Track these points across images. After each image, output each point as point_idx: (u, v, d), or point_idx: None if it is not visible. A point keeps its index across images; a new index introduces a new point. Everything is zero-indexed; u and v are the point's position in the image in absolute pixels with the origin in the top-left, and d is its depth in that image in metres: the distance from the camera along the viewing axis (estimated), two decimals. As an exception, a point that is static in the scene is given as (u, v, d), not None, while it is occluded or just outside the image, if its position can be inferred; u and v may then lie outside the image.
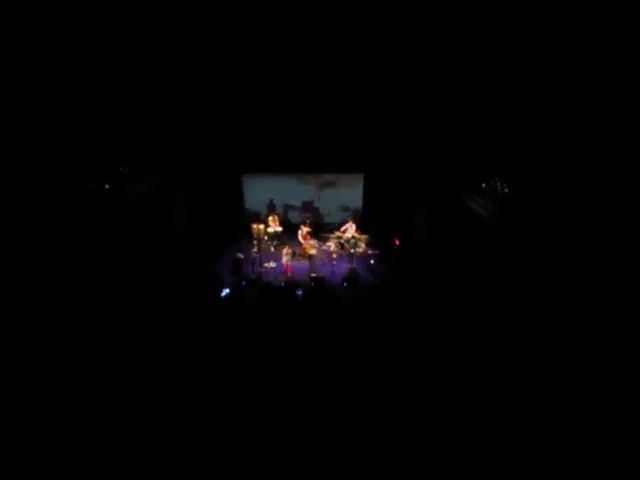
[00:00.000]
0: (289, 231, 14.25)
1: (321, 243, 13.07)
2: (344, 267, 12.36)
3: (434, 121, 10.74)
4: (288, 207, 15.70)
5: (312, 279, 11.10)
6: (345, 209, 15.59)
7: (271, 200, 15.60)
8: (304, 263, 12.74)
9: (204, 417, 5.27)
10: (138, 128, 9.93)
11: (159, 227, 11.44)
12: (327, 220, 15.64)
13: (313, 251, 11.79)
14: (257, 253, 12.04)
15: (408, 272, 11.71)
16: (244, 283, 10.95)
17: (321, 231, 14.43)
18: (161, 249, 11.09)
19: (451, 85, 9.24)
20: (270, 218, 14.09)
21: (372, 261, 12.44)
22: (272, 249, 13.51)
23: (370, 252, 12.72)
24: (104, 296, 8.28)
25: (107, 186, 8.84)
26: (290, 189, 15.36)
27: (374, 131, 11.75)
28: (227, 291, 9.94)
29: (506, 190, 9.52)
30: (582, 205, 7.18)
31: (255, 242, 12.37)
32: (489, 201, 9.87)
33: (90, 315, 7.51)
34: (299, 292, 10.01)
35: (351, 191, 15.35)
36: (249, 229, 14.01)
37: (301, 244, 13.05)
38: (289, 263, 11.78)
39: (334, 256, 12.26)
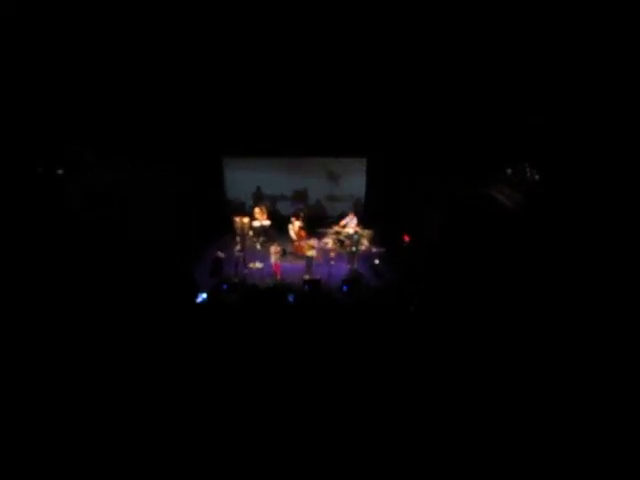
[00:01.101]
0: (278, 225, 14.28)
1: (317, 240, 13.16)
2: (344, 268, 12.40)
3: (453, 91, 10.58)
4: (278, 197, 15.69)
5: (306, 282, 11.15)
6: (344, 199, 15.63)
7: (258, 189, 15.67)
8: (296, 263, 12.79)
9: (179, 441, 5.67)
10: (101, 102, 10.02)
11: (126, 222, 11.47)
12: (323, 212, 15.67)
13: (312, 252, 11.82)
14: (241, 251, 12.05)
15: (420, 274, 11.76)
16: (225, 287, 10.94)
17: (317, 225, 14.48)
18: (128, 247, 11.13)
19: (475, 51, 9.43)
20: (257, 210, 14.14)
21: (377, 261, 12.44)
22: (258, 246, 13.52)
23: (374, 250, 12.74)
24: (55, 302, 8.32)
25: (60, 171, 8.93)
26: (279, 176, 15.34)
27: (380, 104, 11.64)
28: (204, 296, 9.95)
29: (536, 177, 9.63)
30: (625, 194, 7.35)
31: (238, 238, 12.39)
32: (516, 190, 9.99)
33: (38, 328, 7.58)
34: (291, 297, 10.07)
35: (351, 178, 15.39)
36: (231, 223, 13.96)
37: (293, 240, 13.14)
38: (278, 263, 11.81)
39: (332, 255, 12.28)
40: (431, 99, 10.98)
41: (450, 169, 11.99)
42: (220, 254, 12.03)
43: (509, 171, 10.52)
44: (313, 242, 12.08)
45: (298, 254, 13.04)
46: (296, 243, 13.09)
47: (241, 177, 15.46)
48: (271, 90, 11.30)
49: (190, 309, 9.61)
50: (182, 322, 8.83)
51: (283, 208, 15.94)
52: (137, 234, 11.70)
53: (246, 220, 14.06)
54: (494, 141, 10.66)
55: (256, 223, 14.04)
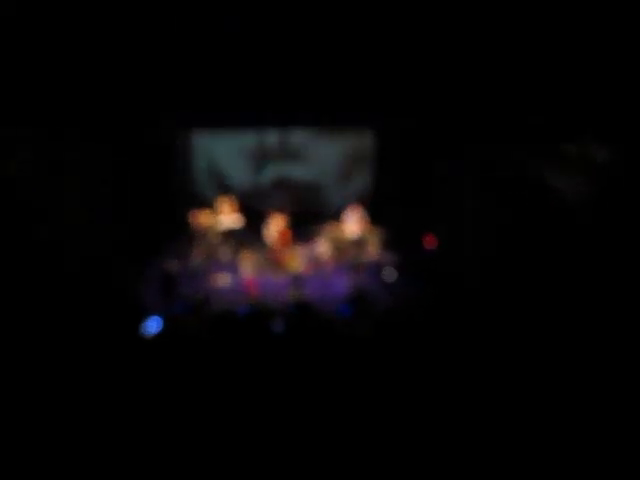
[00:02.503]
0: (253, 223, 14.14)
1: (308, 245, 13.16)
2: (344, 282, 12.46)
3: (492, 35, 10.79)
4: (253, 184, 15.86)
5: (294, 301, 10.97)
6: (342, 186, 15.78)
7: (221, 174, 15.79)
8: (278, 277, 12.70)
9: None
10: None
11: (40, 223, 11.32)
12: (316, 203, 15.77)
13: (297, 264, 12.05)
14: (202, 261, 12.26)
15: (450, 290, 11.75)
16: (181, 310, 10.93)
17: (307, 223, 14.38)
18: (42, 258, 11.04)
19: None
20: (224, 204, 13.92)
21: (389, 273, 12.66)
22: (226, 254, 13.48)
23: (386, 258, 12.90)
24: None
25: None
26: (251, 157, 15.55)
27: (393, 50, 11.77)
28: (154, 325, 10.00)
29: (606, 157, 9.77)
30: None
31: (198, 243, 12.50)
32: (577, 173, 10.14)
33: None
34: (278, 327, 9.91)
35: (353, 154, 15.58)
36: (188, 222, 13.87)
37: (274, 247, 13.04)
38: (253, 277, 11.95)
39: (328, 265, 12.33)
40: (459, 39, 11.19)
41: (487, 143, 12.03)
42: (172, 265, 12.19)
43: (568, 147, 10.66)
44: (300, 251, 12.26)
45: (280, 265, 12.96)
46: (277, 249, 12.98)
47: (200, 159, 15.56)
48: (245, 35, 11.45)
49: (135, 342, 9.54)
50: (119, 363, 8.53)
51: (258, 200, 15.90)
52: (56, 238, 11.58)
53: (209, 218, 14.07)
54: (545, 104, 10.81)
55: (223, 222, 13.96)
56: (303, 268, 12.15)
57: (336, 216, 13.97)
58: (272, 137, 15.39)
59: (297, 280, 12.05)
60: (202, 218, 13.82)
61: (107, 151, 13.09)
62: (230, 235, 13.75)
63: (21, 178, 10.58)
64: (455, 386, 8.48)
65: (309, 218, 14.64)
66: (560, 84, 10.39)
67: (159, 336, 9.80)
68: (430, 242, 12.82)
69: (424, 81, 12.54)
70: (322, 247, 13.17)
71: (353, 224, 13.37)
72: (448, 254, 12.94)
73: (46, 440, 7.06)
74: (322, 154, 15.60)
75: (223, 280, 12.01)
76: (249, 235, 13.99)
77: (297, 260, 12.12)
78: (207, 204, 15.50)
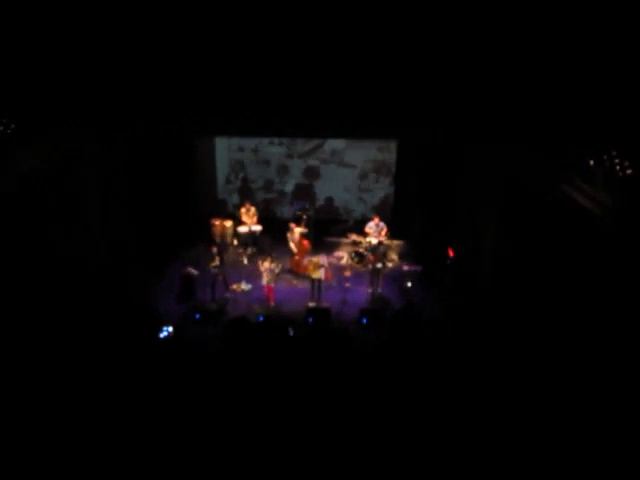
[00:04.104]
0: (273, 231, 14.23)
1: (325, 255, 12.93)
2: (363, 292, 12.38)
3: (520, 50, 10.69)
4: (273, 193, 15.84)
5: (311, 311, 11.06)
6: (363, 198, 15.84)
7: (244, 181, 15.77)
8: (298, 285, 12.72)
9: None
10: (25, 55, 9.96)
11: (57, 224, 11.34)
12: (335, 214, 15.79)
13: (319, 273, 11.86)
14: (220, 267, 12.00)
15: (471, 302, 11.71)
16: (198, 317, 10.91)
17: (327, 233, 14.47)
18: (57, 264, 10.99)
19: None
20: (243, 210, 14.03)
21: (409, 283, 12.39)
22: (245, 261, 13.42)
23: (406, 268, 12.68)
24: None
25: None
26: (273, 161, 15.61)
27: (419, 64, 11.59)
28: (169, 330, 10.05)
29: (629, 171, 9.57)
30: None
31: (217, 250, 12.26)
32: (602, 189, 9.94)
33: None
34: (290, 332, 10.06)
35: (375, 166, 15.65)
36: (208, 228, 14.01)
37: (294, 254, 13.07)
38: (272, 285, 11.78)
39: (347, 274, 12.22)
40: (487, 52, 11.13)
41: (511, 157, 11.96)
42: (191, 271, 11.94)
43: (591, 162, 10.46)
44: (320, 258, 12.08)
45: (299, 273, 12.98)
46: (296, 258, 13.05)
47: (222, 166, 15.63)
48: (271, 51, 11.32)
49: (148, 350, 9.62)
50: (137, 369, 8.82)
51: (280, 208, 16.03)
52: (71, 244, 11.61)
53: (228, 224, 14.07)
54: (570, 118, 10.66)
55: (242, 228, 13.93)
56: (323, 276, 11.93)
57: (357, 226, 14.02)
58: (299, 146, 15.57)
59: (316, 288, 11.97)
60: (222, 224, 13.99)
61: (122, 151, 12.94)
62: (250, 242, 13.87)
63: (36, 177, 10.44)
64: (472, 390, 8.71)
65: (330, 227, 14.72)
66: (585, 97, 10.28)
67: (174, 342, 9.96)
68: (450, 254, 12.70)
69: (450, 92, 12.32)
70: (342, 256, 13.13)
71: (374, 234, 13.43)
72: (466, 266, 12.86)
73: (64, 431, 7.43)
74: (346, 164, 15.71)
75: (241, 287, 11.89)
76: (269, 242, 14.09)
77: (317, 268, 11.90)
78: (228, 210, 15.71)
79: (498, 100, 11.74)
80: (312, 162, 15.69)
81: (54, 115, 10.91)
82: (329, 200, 16.02)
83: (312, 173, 15.80)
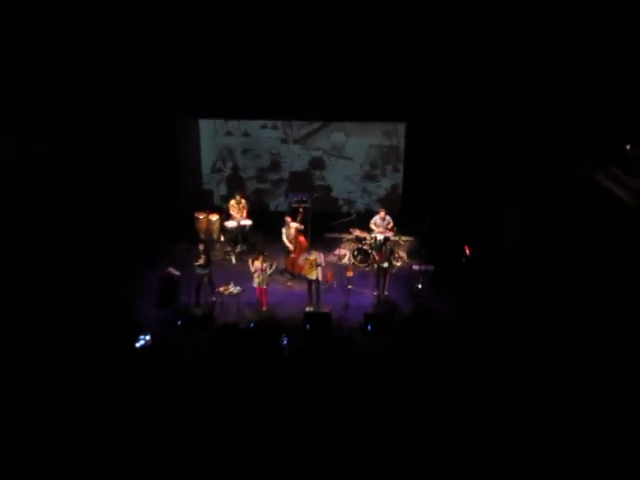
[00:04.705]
0: (266, 226, 14.24)
1: (326, 252, 13.01)
2: (368, 295, 12.43)
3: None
4: (267, 183, 15.89)
5: (308, 317, 11.05)
6: (367, 188, 15.87)
7: (233, 169, 15.81)
8: (294, 287, 12.76)
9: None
10: None
11: (18, 220, 11.15)
12: (335, 207, 15.81)
13: (315, 273, 11.91)
14: (205, 267, 12.00)
15: (490, 306, 11.72)
16: (180, 323, 10.93)
17: (327, 228, 14.48)
18: (22, 262, 11.00)
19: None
20: (231, 203, 14.02)
21: (420, 284, 12.50)
22: (234, 260, 13.49)
23: (417, 267, 12.69)
24: None
25: None
26: (266, 147, 15.62)
27: (432, 37, 11.72)
28: (147, 338, 10.05)
29: None
30: None
31: (202, 248, 12.17)
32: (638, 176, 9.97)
33: None
34: (284, 341, 10.02)
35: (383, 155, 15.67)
36: (191, 223, 13.98)
37: (290, 252, 13.03)
38: (265, 287, 11.82)
39: (349, 274, 12.26)
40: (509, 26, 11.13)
41: (537, 141, 11.88)
42: (173, 272, 11.96)
43: (627, 147, 10.47)
44: (317, 256, 12.00)
45: (295, 273, 12.97)
46: (292, 256, 12.97)
47: (208, 147, 15.65)
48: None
49: (122, 361, 9.57)
50: (110, 383, 8.77)
51: (274, 200, 16.04)
52: (34, 242, 11.47)
53: (215, 219, 14.06)
54: (603, 98, 10.67)
55: (230, 223, 13.95)
56: (321, 276, 12.01)
57: (361, 221, 14.01)
58: (295, 130, 15.53)
59: (314, 290, 12.01)
60: (208, 218, 13.97)
61: (92, 137, 12.84)
62: (239, 238, 13.85)
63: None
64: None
65: (331, 222, 14.66)
66: (619, 80, 10.26)
67: (153, 352, 9.91)
68: (466, 251, 12.68)
69: (467, 68, 12.34)
70: (344, 254, 13.15)
71: (380, 230, 13.40)
72: (484, 264, 12.86)
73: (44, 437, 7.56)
74: (349, 152, 15.71)
75: (230, 289, 11.79)
76: (261, 239, 14.04)
77: (313, 267, 11.88)
78: (215, 202, 15.71)
79: (528, 77, 11.64)
80: (311, 148, 15.67)
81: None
82: (328, 190, 16.01)
83: (313, 161, 15.83)
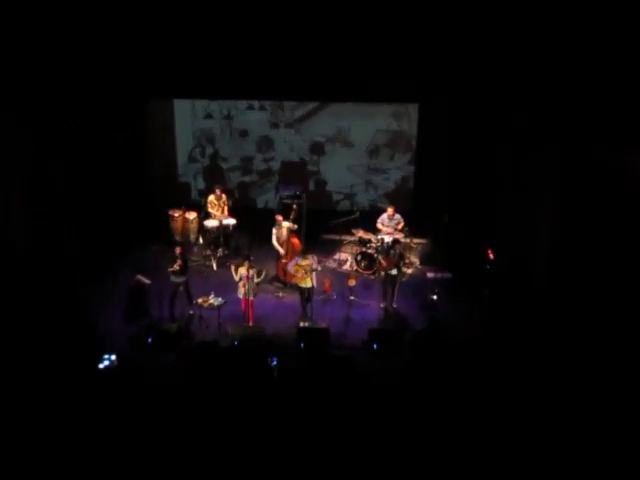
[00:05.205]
0: (252, 226, 14.33)
1: (324, 256, 13.09)
2: (373, 308, 12.45)
3: None
4: (254, 175, 16.03)
5: (303, 333, 11.08)
6: (376, 182, 16.05)
7: (214, 158, 16.01)
8: (285, 297, 12.81)
9: None
10: None
11: None
12: (332, 204, 16.01)
13: (308, 282, 11.96)
14: (181, 275, 11.98)
15: (519, 321, 11.73)
16: (152, 340, 10.95)
17: (325, 229, 14.53)
18: None
19: None
20: (212, 198, 14.09)
21: (435, 295, 12.49)
22: (214, 266, 13.54)
23: (431, 275, 12.79)
24: None
25: None
26: (253, 132, 15.76)
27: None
28: (112, 359, 10.05)
29: None
30: None
31: (178, 251, 12.06)
32: None
33: None
34: (274, 362, 10.05)
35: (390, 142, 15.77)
36: (165, 223, 14.03)
37: (281, 257, 13.08)
38: (252, 298, 11.78)
39: (351, 283, 12.31)
40: None
41: (567, 123, 11.91)
42: (142, 280, 12.01)
43: None
44: (310, 261, 12.00)
45: (287, 282, 13.01)
46: (284, 261, 12.97)
47: (184, 132, 15.81)
48: None
49: (84, 385, 9.50)
50: (69, 410, 8.74)
51: (262, 195, 16.17)
52: None
53: (192, 217, 14.11)
54: None
55: (211, 223, 13.98)
56: (318, 284, 12.07)
57: (365, 220, 14.05)
58: (287, 111, 15.62)
59: (308, 300, 12.02)
60: (184, 217, 14.01)
61: (47, 119, 12.66)
62: (221, 241, 13.85)
63: None
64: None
65: (330, 221, 14.62)
66: None
67: (119, 374, 9.88)
68: (489, 256, 12.61)
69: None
70: (345, 259, 13.18)
71: (387, 230, 13.41)
72: (513, 272, 12.83)
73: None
74: (352, 139, 15.81)
75: (210, 301, 11.79)
76: (247, 241, 14.13)
77: (306, 273, 11.88)
78: (193, 199, 15.84)
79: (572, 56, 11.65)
80: (307, 133, 15.78)
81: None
82: (326, 184, 16.16)
83: (309, 149, 15.94)
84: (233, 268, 11.85)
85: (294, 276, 12.19)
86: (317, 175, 16.15)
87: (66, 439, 8.26)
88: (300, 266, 11.82)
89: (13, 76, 11.66)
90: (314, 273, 11.90)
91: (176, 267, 11.68)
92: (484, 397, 9.60)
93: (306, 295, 11.99)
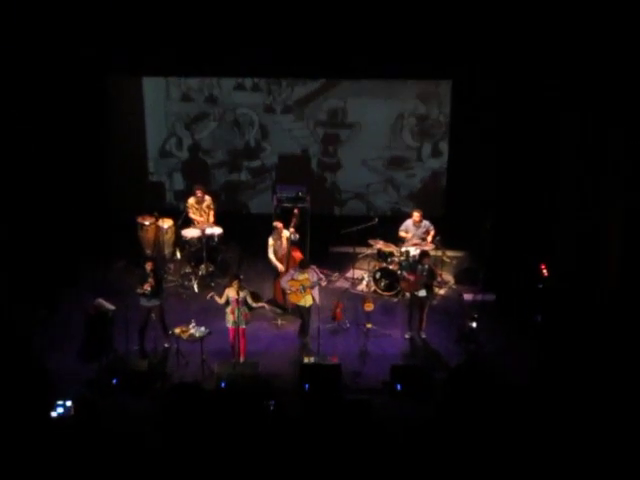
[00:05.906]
0: (243, 237, 14.58)
1: (330, 273, 13.28)
2: (396, 338, 12.54)
3: None
4: (245, 172, 16.20)
5: (307, 371, 11.17)
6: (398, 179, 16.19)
7: (194, 151, 16.19)
8: (285, 325, 12.90)
9: None
10: None
11: None
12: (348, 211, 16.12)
13: (308, 300, 12.13)
14: (154, 298, 12.04)
15: (579, 354, 11.75)
16: (117, 381, 10.99)
17: (334, 239, 14.76)
18: None
19: None
20: (192, 202, 14.22)
21: (473, 323, 12.48)
22: (195, 287, 13.65)
23: (469, 297, 12.98)
24: None
25: None
26: (244, 118, 15.86)
27: None
28: (68, 405, 9.99)
29: None
30: None
31: (149, 268, 12.16)
32: None
33: None
34: (271, 407, 10.03)
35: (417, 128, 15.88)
36: (133, 232, 14.18)
37: (278, 275, 13.13)
38: (243, 327, 11.83)
39: (369, 308, 12.26)
40: None
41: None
42: (104, 305, 12.09)
43: None
44: (309, 275, 12.14)
45: (288, 304, 13.06)
46: (282, 281, 12.86)
47: (155, 118, 15.97)
48: None
49: (33, 437, 9.48)
50: (18, 465, 8.74)
51: (254, 197, 16.34)
52: None
53: (167, 226, 14.26)
54: None
55: (191, 232, 14.11)
56: (318, 299, 12.20)
57: (384, 228, 14.16)
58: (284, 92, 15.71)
59: (304, 328, 12.20)
60: (157, 225, 14.10)
61: None
62: (205, 255, 13.90)
63: None
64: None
65: (341, 230, 14.68)
66: None
67: (76, 424, 9.86)
68: (543, 272, 12.68)
69: None
70: (361, 278, 13.33)
71: (413, 241, 13.50)
72: (574, 292, 12.87)
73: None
74: (367, 126, 15.87)
75: (191, 330, 11.81)
76: (236, 255, 14.33)
77: (305, 290, 12.00)
78: (168, 202, 16.07)
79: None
80: (310, 119, 15.92)
81: None
82: (334, 183, 16.36)
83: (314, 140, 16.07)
84: (229, 292, 11.70)
85: (292, 296, 12.27)
86: (324, 172, 16.23)
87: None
88: (297, 281, 11.91)
89: None
90: (316, 289, 12.03)
91: (147, 288, 11.68)
92: (535, 456, 9.47)
93: (306, 318, 12.17)
